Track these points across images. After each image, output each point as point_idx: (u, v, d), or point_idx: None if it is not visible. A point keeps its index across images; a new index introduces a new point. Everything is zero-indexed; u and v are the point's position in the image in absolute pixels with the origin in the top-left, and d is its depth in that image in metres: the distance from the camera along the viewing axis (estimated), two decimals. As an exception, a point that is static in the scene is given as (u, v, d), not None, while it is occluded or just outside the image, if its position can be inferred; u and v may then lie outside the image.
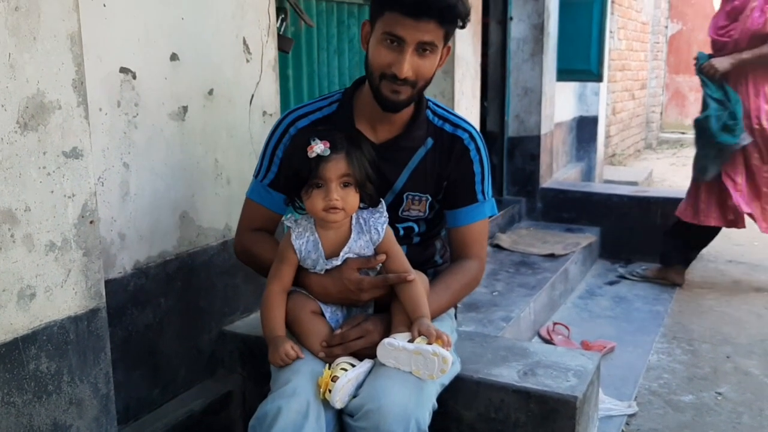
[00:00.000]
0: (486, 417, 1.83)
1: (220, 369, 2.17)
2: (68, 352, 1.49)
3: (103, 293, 1.57)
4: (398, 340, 1.54)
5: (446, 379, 1.72)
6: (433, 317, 1.68)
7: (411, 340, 1.54)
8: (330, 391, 1.51)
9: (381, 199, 1.65)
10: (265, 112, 2.29)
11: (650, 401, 2.68)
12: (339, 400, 1.51)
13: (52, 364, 1.45)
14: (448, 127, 1.80)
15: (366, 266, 1.63)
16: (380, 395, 1.50)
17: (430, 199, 1.80)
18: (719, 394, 2.73)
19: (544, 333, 3.30)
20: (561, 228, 4.62)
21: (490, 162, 1.86)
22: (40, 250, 1.42)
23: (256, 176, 1.83)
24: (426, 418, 1.53)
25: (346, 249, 1.62)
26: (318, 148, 1.53)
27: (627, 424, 2.50)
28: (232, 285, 2.20)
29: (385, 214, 1.64)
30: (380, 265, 1.64)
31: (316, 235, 1.63)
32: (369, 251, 1.63)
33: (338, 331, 1.62)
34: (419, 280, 1.65)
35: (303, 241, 1.63)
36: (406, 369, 1.53)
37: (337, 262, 1.63)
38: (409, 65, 1.61)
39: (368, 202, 1.62)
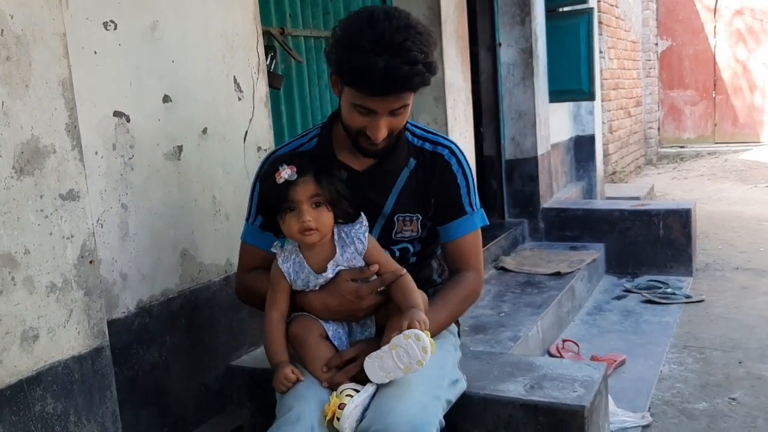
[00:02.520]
0: (495, 434, 1.83)
1: (228, 404, 2.18)
2: (74, 392, 1.50)
3: (106, 332, 1.59)
4: (378, 351, 1.55)
5: (453, 397, 1.72)
6: (434, 335, 1.69)
7: None
8: (338, 419, 1.51)
9: (361, 212, 1.67)
10: (259, 148, 2.32)
11: (664, 411, 2.66)
12: (348, 426, 1.51)
13: (58, 405, 1.47)
14: (428, 146, 1.83)
15: (360, 276, 1.65)
16: (386, 415, 1.51)
17: (420, 217, 1.82)
18: (733, 399, 2.71)
19: (554, 351, 3.28)
20: (565, 246, 4.63)
21: (473, 174, 1.87)
22: (41, 291, 1.44)
23: (247, 219, 1.86)
24: (433, 432, 1.53)
25: (332, 263, 1.64)
26: (285, 173, 1.57)
27: None
28: (237, 320, 2.22)
29: (365, 223, 1.66)
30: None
31: (301, 257, 1.66)
32: (359, 263, 1.66)
33: (335, 355, 1.63)
34: (414, 285, 1.66)
35: (289, 264, 1.66)
36: (398, 374, 1.53)
37: (329, 274, 1.65)
38: (384, 129, 1.64)
39: (346, 218, 1.65)
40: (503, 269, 4.13)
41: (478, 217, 1.85)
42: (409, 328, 1.53)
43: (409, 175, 1.81)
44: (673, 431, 2.49)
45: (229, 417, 2.14)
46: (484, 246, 1.91)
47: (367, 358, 1.56)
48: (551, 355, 3.25)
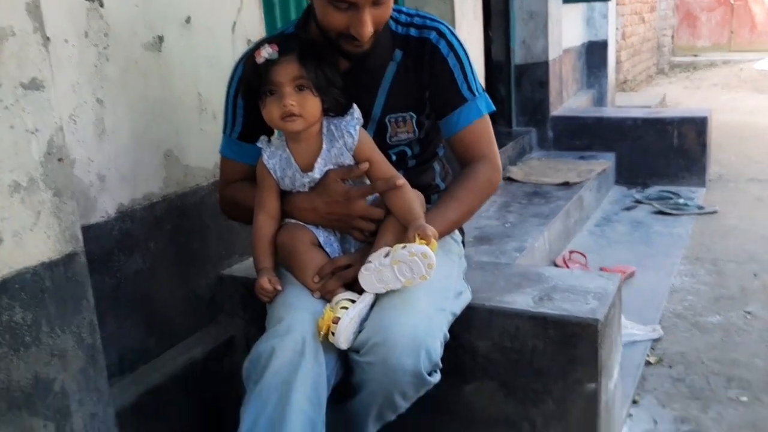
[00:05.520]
0: (501, 346, 1.72)
1: (220, 314, 2.07)
2: (45, 301, 1.37)
3: (80, 237, 1.45)
4: (374, 260, 1.41)
5: (458, 309, 1.60)
6: (445, 234, 1.57)
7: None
8: (333, 333, 1.40)
9: (353, 103, 1.50)
10: (249, 41, 2.13)
11: (675, 324, 2.56)
12: (344, 340, 1.40)
13: (28, 315, 1.34)
14: (413, 32, 1.61)
15: (349, 176, 1.50)
16: (386, 327, 1.39)
17: (415, 116, 1.64)
18: (748, 313, 2.61)
19: (560, 262, 3.17)
20: (574, 156, 4.46)
21: (468, 56, 1.64)
22: (3, 191, 1.29)
23: (224, 131, 1.70)
24: (438, 349, 1.42)
25: (320, 160, 1.50)
26: (266, 52, 1.41)
27: (652, 348, 2.39)
28: (227, 227, 2.08)
29: (357, 115, 1.50)
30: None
31: (288, 151, 1.51)
32: (348, 161, 1.51)
33: (327, 262, 1.50)
34: (413, 194, 1.52)
35: (276, 160, 1.52)
36: (397, 286, 1.41)
37: (315, 174, 1.51)
38: (369, 24, 1.43)
39: (336, 110, 1.48)
40: (510, 179, 3.98)
41: (481, 102, 1.65)
42: (422, 237, 1.40)
43: (396, 70, 1.61)
44: (685, 345, 2.39)
45: (220, 327, 2.04)
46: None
47: (363, 269, 1.43)
48: (557, 266, 3.14)
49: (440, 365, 1.45)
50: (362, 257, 1.49)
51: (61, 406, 1.37)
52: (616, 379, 1.82)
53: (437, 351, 1.41)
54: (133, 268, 1.81)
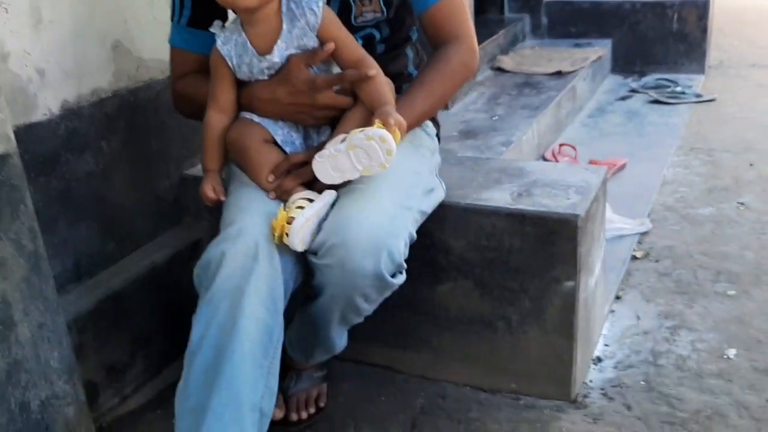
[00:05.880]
0: (477, 245, 1.63)
1: (185, 217, 1.97)
2: (-25, 207, 1.27)
3: (12, 136, 1.32)
4: (330, 146, 1.30)
5: (427, 207, 1.50)
6: (414, 125, 1.46)
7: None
8: (287, 235, 1.29)
9: None
10: None
11: (665, 217, 2.47)
12: (300, 242, 1.30)
13: (-44, 221, 1.24)
14: None
15: (313, 60, 1.37)
16: (345, 227, 1.29)
17: None
18: (741, 204, 2.51)
19: (549, 156, 3.05)
20: (569, 44, 4.25)
21: None
22: None
23: (172, 18, 1.55)
24: (401, 249, 1.32)
25: (280, 42, 1.36)
26: None
27: (639, 242, 2.31)
28: (188, 124, 1.93)
29: None
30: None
31: (244, 36, 1.36)
32: (312, 42, 1.37)
33: (283, 160, 1.38)
34: (386, 81, 1.39)
35: (231, 45, 1.38)
36: (355, 175, 1.30)
37: (275, 58, 1.37)
38: None
39: None
40: (500, 70, 3.79)
41: None
42: (383, 123, 1.28)
43: None
44: (674, 238, 2.31)
45: (186, 230, 1.95)
46: (479, 44, 1.58)
47: (317, 156, 1.31)
48: (546, 161, 3.02)
49: (404, 266, 1.36)
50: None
51: (4, 316, 1.29)
52: (598, 276, 1.74)
53: (400, 251, 1.32)
54: (84, 169, 1.69)
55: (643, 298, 2.00)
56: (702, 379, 1.64)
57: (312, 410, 1.66)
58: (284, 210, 1.32)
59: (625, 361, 1.75)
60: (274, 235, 1.31)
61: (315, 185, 1.37)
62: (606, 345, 1.83)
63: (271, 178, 1.38)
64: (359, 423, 1.64)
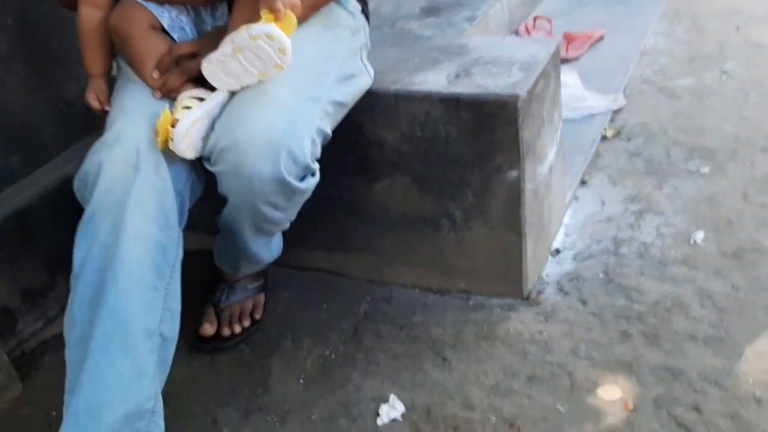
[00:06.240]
0: (411, 136, 1.45)
1: (101, 123, 1.79)
2: None
3: None
4: (219, 49, 1.11)
5: (344, 97, 1.31)
6: (315, 8, 1.25)
7: None
8: (172, 139, 1.12)
9: None
10: None
11: (641, 92, 2.27)
12: (187, 148, 1.13)
13: None
14: None
15: None
16: (235, 126, 1.12)
17: None
18: (724, 72, 2.30)
19: (522, 31, 2.81)
20: None
21: None
22: None
23: None
24: (305, 149, 1.15)
25: None
26: None
27: (612, 120, 2.12)
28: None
29: None
30: None
31: None
32: None
33: (167, 52, 1.20)
34: None
35: None
36: (252, 80, 1.12)
37: None
38: None
39: None
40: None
41: None
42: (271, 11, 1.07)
43: None
44: (648, 114, 2.12)
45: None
46: None
47: (204, 62, 1.13)
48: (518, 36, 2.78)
49: (315, 168, 1.19)
50: (212, 41, 1.18)
51: None
52: (552, 162, 1.57)
53: (305, 151, 1.14)
54: (-32, 75, 1.51)
55: (610, 182, 1.84)
56: (665, 268, 1.50)
57: (246, 323, 1.54)
58: (168, 110, 1.14)
59: (584, 252, 1.61)
60: (157, 140, 1.14)
61: (208, 83, 1.18)
62: (566, 235, 1.68)
63: (155, 74, 1.20)
64: (297, 333, 1.52)
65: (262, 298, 1.59)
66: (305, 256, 1.68)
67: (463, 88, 1.39)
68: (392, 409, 1.27)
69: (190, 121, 1.12)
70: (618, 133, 2.04)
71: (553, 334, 1.38)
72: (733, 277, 1.43)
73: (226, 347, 1.51)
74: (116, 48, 1.28)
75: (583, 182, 1.86)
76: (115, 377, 1.06)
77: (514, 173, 1.39)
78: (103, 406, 1.05)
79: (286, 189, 1.16)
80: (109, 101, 1.29)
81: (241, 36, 1.07)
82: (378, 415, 1.27)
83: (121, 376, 1.07)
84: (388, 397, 1.30)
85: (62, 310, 1.64)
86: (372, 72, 1.43)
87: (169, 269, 1.16)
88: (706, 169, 1.80)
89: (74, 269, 1.13)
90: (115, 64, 1.35)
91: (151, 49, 1.21)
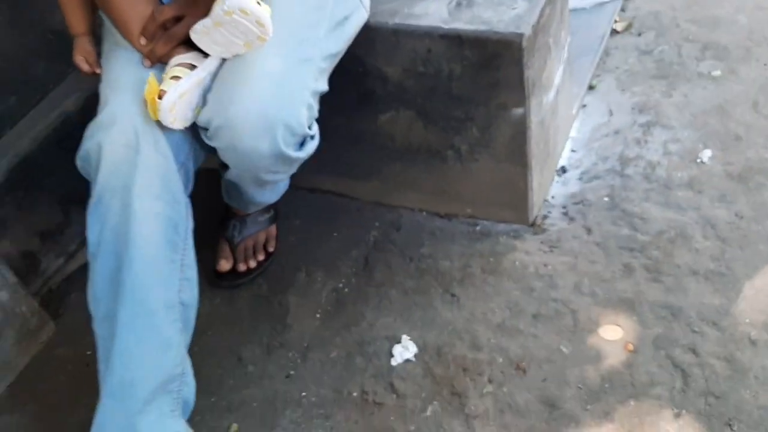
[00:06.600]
0: (414, 72, 1.41)
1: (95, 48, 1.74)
2: None
3: None
4: (201, 23, 1.07)
5: (338, 45, 1.25)
6: None
7: None
8: (159, 111, 1.10)
9: None
10: None
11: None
12: (174, 120, 1.11)
13: None
14: None
15: None
16: (226, 103, 1.09)
17: None
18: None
19: None
20: None
21: None
22: None
23: None
24: (302, 117, 1.13)
25: None
26: None
27: (622, 10, 2.02)
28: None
29: None
30: None
31: None
32: None
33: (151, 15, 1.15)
34: None
35: None
36: (240, 50, 1.08)
37: None
38: None
39: None
40: None
41: None
42: None
43: None
44: (659, 2, 2.01)
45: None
46: None
47: (191, 32, 1.08)
48: None
49: (313, 132, 1.18)
50: (196, 1, 1.12)
51: None
52: (559, 85, 1.53)
53: (301, 121, 1.13)
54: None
55: (618, 87, 1.79)
56: (670, 192, 1.50)
57: (261, 257, 1.59)
58: (153, 80, 1.10)
59: (591, 171, 1.61)
60: (148, 111, 1.12)
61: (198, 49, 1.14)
62: (573, 151, 1.67)
63: (142, 40, 1.15)
64: (310, 265, 1.57)
65: (273, 229, 1.62)
66: (314, 179, 1.69)
67: (465, 23, 1.33)
68: (405, 350, 1.34)
69: (176, 94, 1.09)
70: (629, 27, 1.96)
71: (557, 267, 1.42)
72: (738, 203, 1.44)
73: (243, 283, 1.56)
74: (99, 8, 1.22)
75: (591, 87, 1.81)
76: (143, 354, 1.12)
77: (519, 111, 1.37)
78: (135, 382, 1.12)
79: (285, 159, 1.15)
80: (98, 63, 1.26)
81: (216, 12, 1.03)
82: (392, 355, 1.34)
83: (148, 353, 1.13)
84: (401, 337, 1.37)
85: (82, 243, 1.71)
86: (368, 4, 1.36)
87: (182, 241, 1.18)
88: (717, 72, 1.75)
89: (89, 248, 1.16)
90: (98, 20, 1.29)
91: (136, 13, 1.16)
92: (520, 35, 1.28)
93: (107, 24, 1.24)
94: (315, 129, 1.19)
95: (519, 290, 1.40)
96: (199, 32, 1.07)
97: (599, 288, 1.36)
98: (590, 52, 1.90)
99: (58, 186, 1.63)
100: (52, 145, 1.60)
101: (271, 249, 1.61)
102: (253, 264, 1.58)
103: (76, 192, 1.67)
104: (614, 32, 1.96)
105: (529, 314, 1.35)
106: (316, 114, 1.18)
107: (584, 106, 1.77)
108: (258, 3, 1.01)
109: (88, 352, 1.48)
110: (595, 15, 2.01)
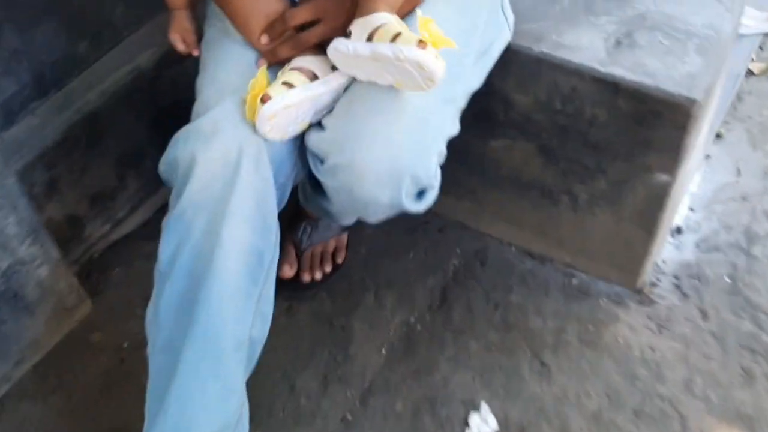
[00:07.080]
0: (547, 107, 1.22)
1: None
2: None
3: None
4: (352, 37, 0.88)
5: (481, 76, 1.08)
6: None
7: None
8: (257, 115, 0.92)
9: None
10: None
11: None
12: (271, 129, 0.93)
13: None
14: None
15: None
16: (352, 141, 0.92)
17: None
18: None
19: None
20: None
21: None
22: None
23: None
24: (431, 168, 0.97)
25: None
26: None
27: (761, 48, 1.81)
28: None
29: None
30: None
31: None
32: None
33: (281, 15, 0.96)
34: None
35: None
36: (386, 81, 0.89)
37: None
38: None
39: None
40: None
41: None
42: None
43: None
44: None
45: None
46: None
47: (332, 45, 0.89)
48: None
49: (436, 183, 1.00)
50: (337, 5, 0.93)
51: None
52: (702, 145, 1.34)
53: (430, 173, 0.96)
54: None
55: (749, 141, 1.59)
56: (803, 286, 1.33)
57: (327, 269, 1.43)
58: (263, 77, 0.92)
59: (710, 240, 1.43)
60: (245, 109, 0.94)
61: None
62: (691, 210, 1.49)
63: (264, 39, 0.97)
64: (380, 287, 1.41)
65: (344, 238, 1.46)
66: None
67: (626, 69, 1.13)
68: (484, 424, 1.19)
69: (281, 105, 0.90)
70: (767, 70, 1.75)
71: (666, 354, 1.26)
72: None
73: (305, 296, 1.41)
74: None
75: (717, 135, 1.61)
76: (204, 400, 0.98)
77: (664, 177, 1.18)
78: (191, 428, 0.97)
79: (400, 209, 0.98)
80: (197, 45, 1.08)
81: (381, 50, 0.83)
82: (467, 425, 1.20)
83: (209, 401, 0.98)
84: (479, 404, 1.21)
85: (132, 210, 1.55)
86: (512, 22, 1.16)
87: (264, 274, 1.01)
88: None
89: (160, 264, 0.99)
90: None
91: (259, 10, 0.96)
92: (692, 101, 1.08)
93: (213, 5, 1.05)
94: (438, 181, 1.01)
95: (620, 375, 1.24)
96: (341, 52, 0.88)
97: (714, 392, 1.20)
98: (721, 94, 1.69)
99: (116, 147, 1.46)
100: (119, 103, 1.42)
101: (339, 261, 1.44)
102: (318, 276, 1.42)
103: (134, 155, 1.51)
104: (750, 73, 1.75)
105: (630, 408, 1.19)
106: (443, 161, 1.00)
107: (708, 156, 1.58)
108: (436, 56, 0.81)
109: (125, 345, 1.34)
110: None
